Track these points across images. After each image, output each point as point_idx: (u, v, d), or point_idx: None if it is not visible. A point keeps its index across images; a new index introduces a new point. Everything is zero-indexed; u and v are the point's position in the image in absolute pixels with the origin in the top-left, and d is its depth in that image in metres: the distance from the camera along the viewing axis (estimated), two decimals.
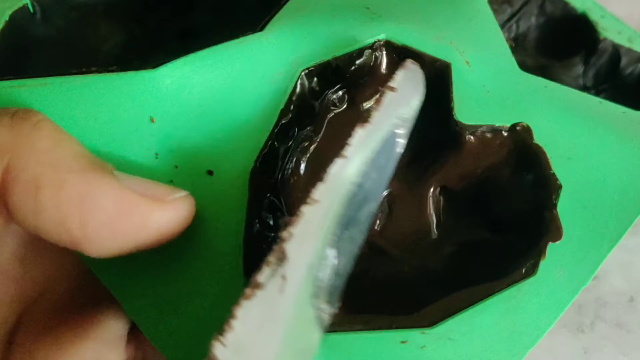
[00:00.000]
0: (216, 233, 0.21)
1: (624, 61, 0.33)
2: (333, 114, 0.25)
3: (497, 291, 0.21)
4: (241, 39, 0.23)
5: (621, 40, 0.33)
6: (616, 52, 0.33)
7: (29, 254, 0.21)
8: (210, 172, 0.21)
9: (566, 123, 0.25)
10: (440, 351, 0.20)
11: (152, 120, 0.21)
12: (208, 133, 0.22)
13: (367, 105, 0.25)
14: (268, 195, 0.22)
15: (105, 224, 0.18)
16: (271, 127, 0.22)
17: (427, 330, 0.20)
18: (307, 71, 0.23)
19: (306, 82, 0.23)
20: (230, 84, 0.23)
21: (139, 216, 0.18)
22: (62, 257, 0.21)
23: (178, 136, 0.22)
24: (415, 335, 0.20)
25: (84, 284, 0.22)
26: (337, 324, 0.20)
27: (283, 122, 0.23)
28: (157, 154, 0.21)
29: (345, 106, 0.25)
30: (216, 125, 0.22)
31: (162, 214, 0.18)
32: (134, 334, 0.23)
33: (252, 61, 0.23)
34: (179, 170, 0.21)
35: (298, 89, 0.23)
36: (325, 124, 0.25)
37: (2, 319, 0.20)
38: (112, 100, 0.21)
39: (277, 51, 0.23)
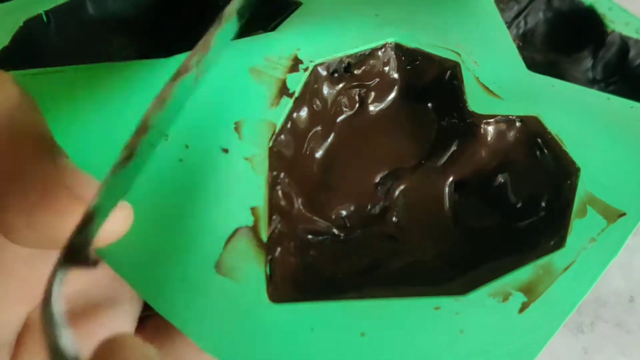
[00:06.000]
0: (233, 207, 0.21)
1: (632, 53, 0.33)
2: (343, 116, 0.25)
3: (528, 262, 0.21)
4: (253, 37, 0.24)
5: (629, 31, 0.33)
6: (624, 44, 0.33)
7: (33, 255, 0.20)
8: (225, 150, 0.22)
9: (576, 119, 0.25)
10: (475, 318, 0.20)
11: None
12: (220, 115, 0.22)
13: (376, 107, 0.26)
14: (282, 174, 0.23)
15: (23, 209, 0.16)
16: (286, 113, 0.23)
17: (460, 298, 0.20)
18: (320, 65, 0.24)
19: (319, 75, 0.24)
20: (242, 72, 0.23)
21: (58, 212, 0.16)
22: None
23: (189, 117, 0.21)
24: (448, 302, 0.20)
25: (90, 286, 0.22)
26: (365, 295, 0.20)
27: (296, 111, 0.23)
28: (167, 136, 0.21)
29: (355, 109, 0.26)
30: (228, 108, 0.22)
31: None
32: (138, 336, 0.23)
33: (264, 53, 0.24)
34: (190, 150, 0.21)
35: (311, 81, 0.24)
36: (336, 127, 0.25)
37: (9, 319, 0.20)
38: (124, 84, 0.22)
39: (289, 46, 0.24)
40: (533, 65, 0.28)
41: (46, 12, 0.26)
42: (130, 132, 0.21)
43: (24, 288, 0.20)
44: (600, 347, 0.33)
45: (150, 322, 0.23)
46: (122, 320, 0.21)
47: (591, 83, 0.33)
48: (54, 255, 0.21)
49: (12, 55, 0.24)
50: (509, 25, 0.33)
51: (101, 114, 0.21)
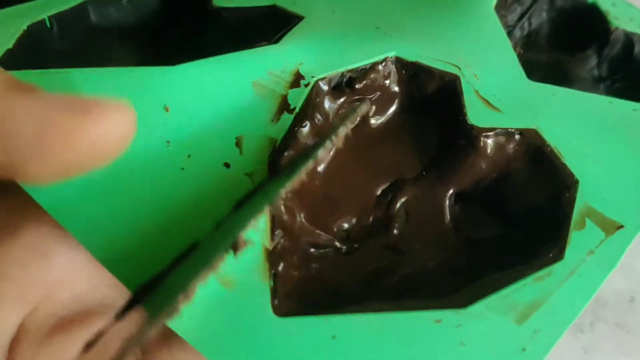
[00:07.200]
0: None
1: (637, 49, 0.33)
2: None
3: (528, 274, 0.21)
4: (256, 49, 0.25)
5: (633, 27, 0.33)
6: (629, 40, 0.33)
7: (31, 259, 0.20)
8: (227, 165, 0.22)
9: (575, 129, 0.25)
10: (477, 329, 0.20)
11: (166, 109, 0.22)
12: (222, 128, 0.23)
13: (377, 121, 0.26)
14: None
15: (29, 146, 0.16)
16: (286, 128, 0.23)
17: (461, 311, 0.20)
18: (321, 80, 0.24)
19: (320, 90, 0.24)
20: (244, 85, 0.23)
21: (61, 133, 0.16)
22: (64, 264, 0.21)
23: (191, 127, 0.22)
24: (449, 315, 0.20)
25: (86, 292, 0.21)
26: (366, 308, 0.21)
27: (298, 126, 0.23)
28: (168, 142, 0.22)
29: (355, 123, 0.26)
30: (230, 121, 0.23)
31: (88, 126, 0.16)
32: None
33: (267, 66, 0.24)
34: (191, 159, 0.22)
35: (313, 96, 0.24)
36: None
37: (3, 323, 0.20)
38: (128, 88, 0.22)
39: (291, 59, 0.24)
40: (538, 66, 0.28)
41: (50, 18, 0.26)
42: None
43: (19, 292, 0.20)
44: (600, 347, 0.33)
45: None
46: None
47: (597, 81, 0.33)
48: (50, 259, 0.21)
49: (15, 58, 0.24)
50: (513, 27, 0.33)
51: None
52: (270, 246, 0.21)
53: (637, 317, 0.34)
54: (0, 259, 0.20)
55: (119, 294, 0.22)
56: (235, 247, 0.17)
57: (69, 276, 0.21)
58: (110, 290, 0.22)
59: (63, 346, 0.20)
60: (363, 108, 0.21)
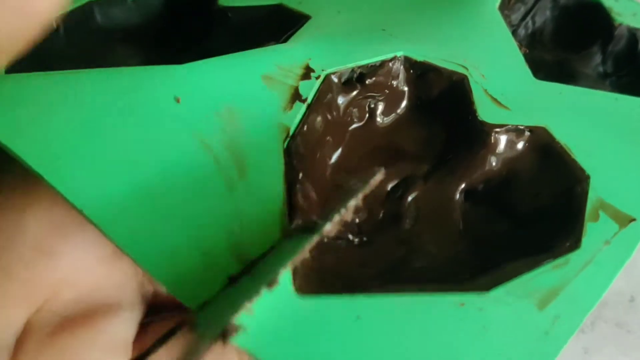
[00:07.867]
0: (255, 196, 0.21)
1: None
2: (353, 127, 0.26)
3: (546, 262, 0.21)
4: (265, 47, 0.25)
5: (637, 22, 0.33)
6: (632, 36, 0.33)
7: (36, 259, 0.20)
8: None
9: (584, 125, 0.25)
10: (499, 313, 0.20)
11: (177, 100, 0.22)
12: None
13: (385, 119, 0.26)
14: (300, 175, 0.23)
15: None
16: (299, 118, 0.23)
17: (483, 295, 0.21)
18: (332, 74, 0.24)
19: (332, 83, 0.24)
20: (254, 78, 0.23)
21: None
22: (69, 264, 0.21)
23: (202, 118, 0.22)
24: (472, 298, 0.21)
25: (91, 291, 0.21)
26: (390, 289, 0.21)
27: (309, 118, 0.23)
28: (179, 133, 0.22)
29: (364, 121, 0.26)
30: (242, 111, 0.23)
31: None
32: (138, 342, 0.22)
33: (276, 61, 0.24)
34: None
35: (324, 89, 0.24)
36: (347, 136, 0.26)
37: (8, 321, 0.20)
38: (139, 83, 0.22)
39: (300, 55, 0.25)
40: (543, 65, 0.28)
41: (55, 19, 0.26)
42: (139, 123, 0.22)
43: (24, 291, 0.20)
44: (600, 347, 0.33)
45: (151, 328, 0.23)
46: (122, 326, 0.21)
47: (603, 77, 0.33)
48: (56, 259, 0.21)
49: (22, 58, 0.24)
50: (517, 26, 0.33)
51: (112, 116, 0.22)
52: (289, 227, 0.21)
53: (637, 317, 0.34)
54: (5, 257, 0.20)
55: (124, 294, 0.22)
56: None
57: (75, 276, 0.21)
58: (115, 291, 0.22)
59: (68, 345, 0.20)
60: (377, 178, 0.21)
